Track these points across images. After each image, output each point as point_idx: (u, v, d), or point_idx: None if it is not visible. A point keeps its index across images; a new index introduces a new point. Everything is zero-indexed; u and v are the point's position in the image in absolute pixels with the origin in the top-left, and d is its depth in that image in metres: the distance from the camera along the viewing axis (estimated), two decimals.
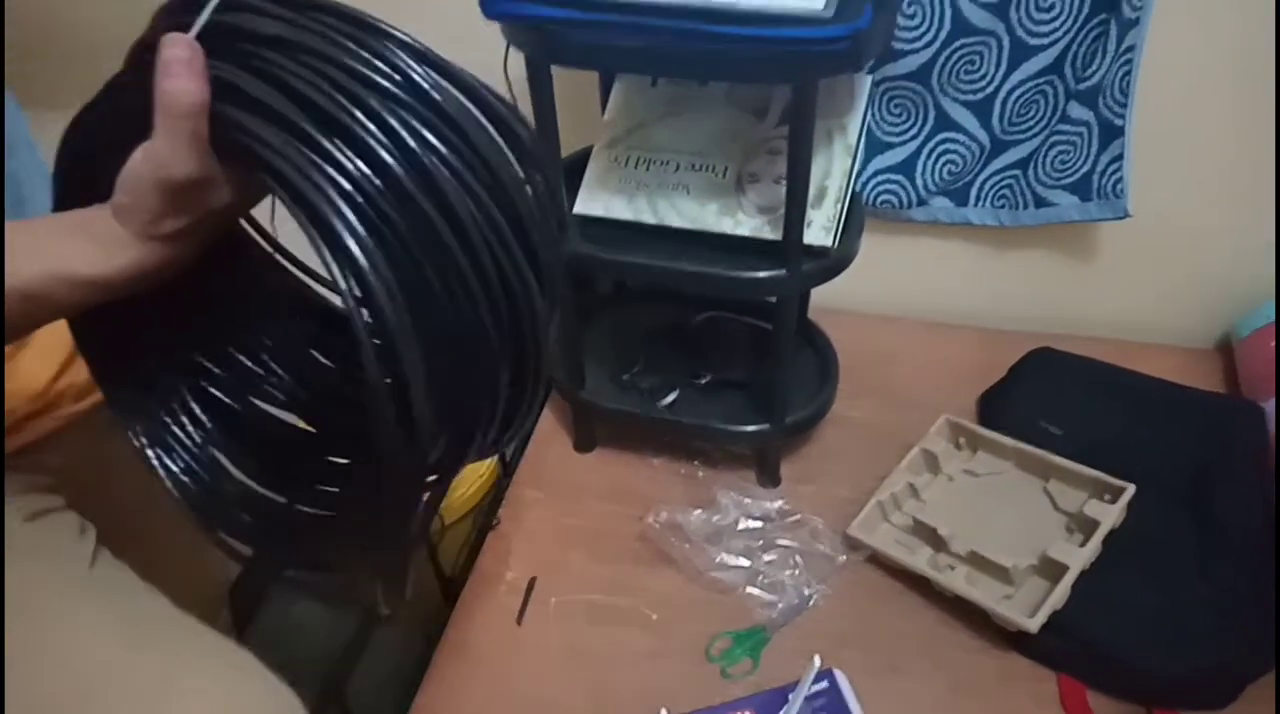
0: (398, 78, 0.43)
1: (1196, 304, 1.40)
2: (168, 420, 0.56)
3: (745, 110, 1.09)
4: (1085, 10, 1.15)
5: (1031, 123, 1.25)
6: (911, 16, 1.18)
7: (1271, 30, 1.13)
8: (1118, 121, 1.19)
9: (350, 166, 0.42)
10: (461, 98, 0.45)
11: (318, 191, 0.41)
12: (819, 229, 1.02)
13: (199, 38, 0.44)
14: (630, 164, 1.09)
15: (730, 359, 1.28)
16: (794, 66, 0.88)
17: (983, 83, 1.23)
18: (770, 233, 1.02)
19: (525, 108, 1.04)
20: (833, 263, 1.05)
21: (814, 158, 0.99)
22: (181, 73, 0.42)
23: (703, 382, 1.26)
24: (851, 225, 1.08)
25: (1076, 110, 1.21)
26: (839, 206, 1.03)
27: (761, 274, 1.02)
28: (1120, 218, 1.25)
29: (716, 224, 1.04)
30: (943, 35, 1.19)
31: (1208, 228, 1.31)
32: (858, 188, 1.18)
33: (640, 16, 0.88)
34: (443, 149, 0.43)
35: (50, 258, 0.44)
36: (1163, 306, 1.41)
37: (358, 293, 0.41)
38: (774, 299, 1.08)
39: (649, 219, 1.06)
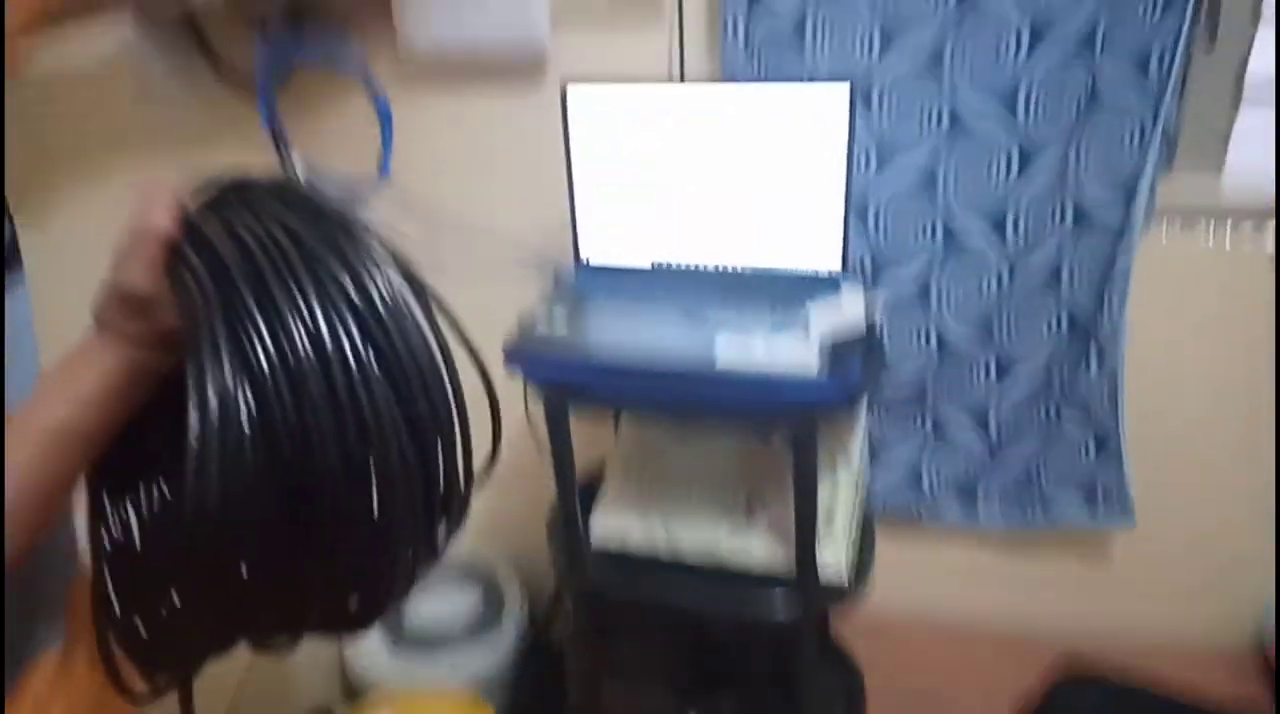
0: (346, 269, 0.50)
1: (1220, 604, 1.37)
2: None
3: (752, 437, 1.14)
4: (1065, 332, 1.23)
5: (1029, 435, 1.30)
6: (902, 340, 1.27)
7: (1267, 332, 1.20)
8: (1112, 438, 1.24)
9: (251, 317, 0.47)
10: (402, 306, 0.50)
11: (208, 331, 0.47)
12: (830, 560, 1.03)
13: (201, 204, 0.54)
14: (642, 489, 1.13)
15: (749, 679, 1.25)
16: (793, 417, 0.94)
17: (978, 397, 1.29)
18: (783, 563, 1.03)
19: (543, 435, 1.09)
20: (847, 590, 1.05)
21: (819, 483, 1.03)
22: (157, 205, 0.52)
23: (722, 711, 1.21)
24: (865, 544, 1.09)
25: (1070, 423, 1.26)
26: (849, 537, 1.05)
27: (776, 606, 1.02)
28: (1127, 527, 1.26)
29: (729, 554, 1.06)
30: (933, 365, 1.27)
31: (1218, 528, 1.32)
32: (867, 498, 1.20)
33: (649, 380, 0.96)
34: (353, 338, 0.48)
35: (60, 385, 0.54)
36: (1189, 609, 1.38)
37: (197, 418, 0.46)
38: None
39: (662, 548, 1.08)
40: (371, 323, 0.49)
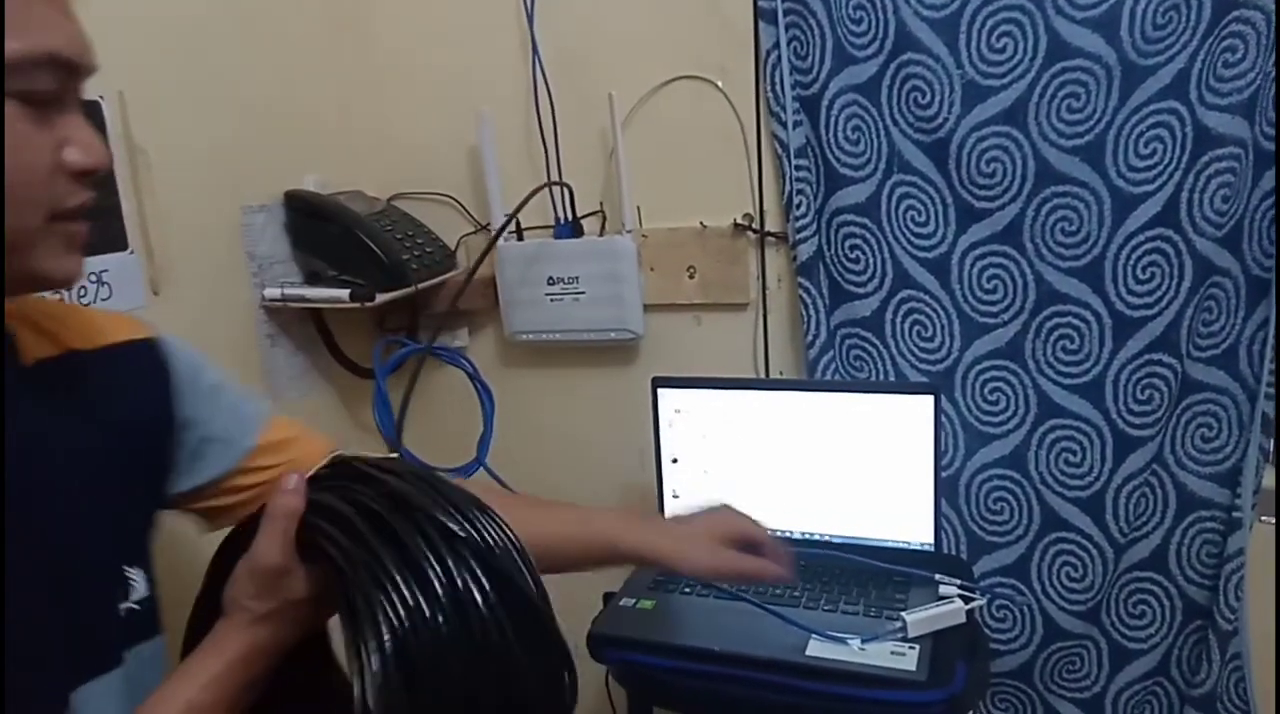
0: (461, 522, 0.55)
1: None
2: None
3: None
4: (1179, 618, 1.17)
5: None
6: (1003, 620, 1.22)
7: None
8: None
9: (398, 586, 0.52)
10: (506, 545, 0.57)
11: (362, 595, 0.53)
12: None
13: (314, 481, 0.61)
14: None
15: None
16: None
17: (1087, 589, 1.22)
18: None
19: None
20: None
21: None
22: (288, 491, 0.59)
23: None
24: None
25: None
26: None
27: None
28: None
29: None
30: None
31: None
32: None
33: (743, 670, 0.94)
34: (482, 585, 0.54)
35: (188, 668, 0.59)
36: None
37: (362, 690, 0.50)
38: None
39: None
40: (490, 563, 0.55)
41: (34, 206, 0.52)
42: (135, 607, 0.63)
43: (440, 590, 0.53)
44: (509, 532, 0.57)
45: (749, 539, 0.88)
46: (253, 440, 0.74)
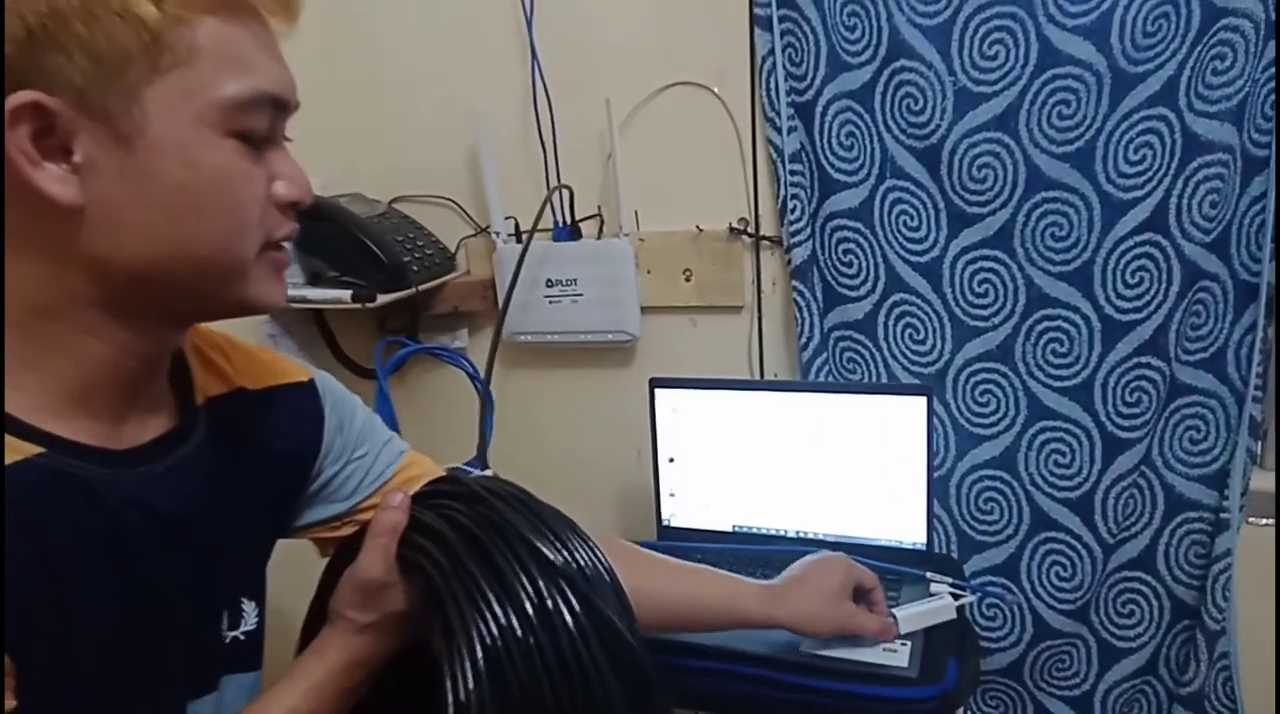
0: (555, 546, 0.57)
1: None
2: None
3: None
4: (1168, 617, 1.18)
5: None
6: (993, 619, 1.24)
7: None
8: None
9: (491, 605, 0.55)
10: (603, 576, 0.58)
11: (457, 611, 0.55)
12: None
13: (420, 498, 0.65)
14: None
15: None
16: None
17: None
18: None
19: None
20: None
21: None
22: (392, 508, 0.63)
23: None
24: None
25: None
26: None
27: None
28: None
29: None
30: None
31: None
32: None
33: (737, 665, 0.95)
34: (573, 607, 0.55)
35: (291, 675, 0.62)
36: None
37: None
38: None
39: None
40: (579, 586, 0.57)
41: (252, 237, 0.55)
42: (241, 637, 0.66)
43: (530, 610, 0.55)
44: (600, 556, 0.60)
45: (861, 587, 0.92)
46: (388, 476, 0.77)
